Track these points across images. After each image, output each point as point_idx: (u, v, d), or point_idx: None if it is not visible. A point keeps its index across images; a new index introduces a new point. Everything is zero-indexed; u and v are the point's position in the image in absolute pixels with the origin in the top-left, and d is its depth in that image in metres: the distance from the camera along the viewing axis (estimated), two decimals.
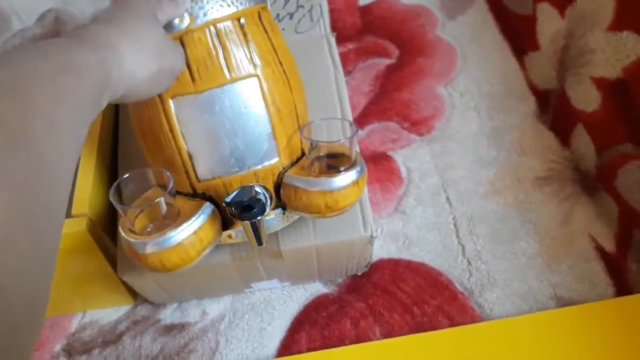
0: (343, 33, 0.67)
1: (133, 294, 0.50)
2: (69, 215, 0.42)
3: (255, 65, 0.35)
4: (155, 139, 0.36)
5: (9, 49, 0.25)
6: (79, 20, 0.67)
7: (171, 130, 0.35)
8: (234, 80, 0.34)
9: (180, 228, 0.32)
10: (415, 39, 0.67)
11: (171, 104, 0.35)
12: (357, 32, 0.68)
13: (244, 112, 0.35)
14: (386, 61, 0.65)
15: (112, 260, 0.45)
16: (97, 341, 0.49)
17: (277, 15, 0.54)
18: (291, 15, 0.54)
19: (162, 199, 0.33)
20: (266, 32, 0.36)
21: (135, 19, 0.31)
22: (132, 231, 0.33)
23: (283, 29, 0.53)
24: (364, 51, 0.66)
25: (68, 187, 0.23)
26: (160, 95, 0.35)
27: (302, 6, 0.55)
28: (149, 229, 0.34)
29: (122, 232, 0.33)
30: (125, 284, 0.47)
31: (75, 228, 0.41)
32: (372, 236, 0.41)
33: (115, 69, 0.28)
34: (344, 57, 0.64)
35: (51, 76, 0.23)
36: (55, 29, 0.67)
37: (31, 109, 0.21)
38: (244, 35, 0.35)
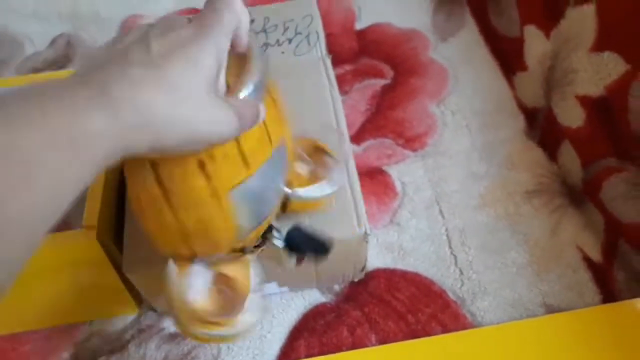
0: (340, 56, 0.71)
1: (138, 303, 0.52)
2: (79, 226, 0.44)
3: (282, 123, 0.34)
4: (203, 230, 0.32)
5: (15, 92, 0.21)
6: (88, 45, 0.70)
7: (225, 221, 0.32)
8: (274, 147, 0.33)
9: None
10: (409, 60, 0.70)
11: (231, 197, 0.31)
12: (353, 55, 0.71)
13: (278, 172, 0.35)
14: (381, 82, 0.68)
15: (119, 270, 0.47)
16: (104, 349, 0.51)
17: (277, 40, 0.57)
18: (290, 40, 0.57)
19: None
20: None
21: (180, 53, 0.25)
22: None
23: (282, 53, 0.56)
24: (360, 72, 0.69)
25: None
26: (216, 194, 0.31)
27: (300, 33, 0.58)
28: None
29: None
30: (132, 292, 0.50)
31: (85, 239, 0.44)
32: (366, 233, 0.44)
33: (137, 130, 0.23)
34: (341, 78, 0.67)
35: (38, 153, 0.20)
36: (67, 53, 0.71)
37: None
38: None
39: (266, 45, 0.57)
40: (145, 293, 0.48)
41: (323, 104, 0.52)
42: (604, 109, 0.54)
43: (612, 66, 0.54)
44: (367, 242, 0.46)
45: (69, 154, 0.21)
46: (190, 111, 0.25)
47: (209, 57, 0.26)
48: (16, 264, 0.21)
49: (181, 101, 0.25)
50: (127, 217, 0.47)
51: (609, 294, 0.51)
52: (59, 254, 0.45)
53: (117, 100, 0.22)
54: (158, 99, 0.24)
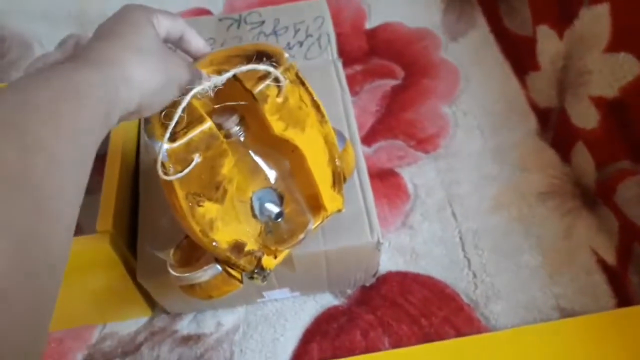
0: (350, 56, 0.70)
1: (151, 306, 0.52)
2: (93, 231, 0.44)
3: None
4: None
5: (23, 75, 0.25)
6: None
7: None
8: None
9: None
10: (420, 60, 0.70)
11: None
12: (363, 55, 0.71)
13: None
14: (392, 82, 0.68)
15: (133, 274, 0.47)
16: (117, 351, 0.51)
17: (288, 43, 0.57)
18: (301, 44, 0.57)
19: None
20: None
21: (135, 29, 0.30)
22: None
23: (293, 56, 0.56)
24: (370, 73, 0.69)
25: (73, 218, 0.23)
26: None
27: (311, 35, 0.58)
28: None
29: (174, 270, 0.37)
30: (144, 295, 0.50)
31: (99, 244, 0.44)
32: (379, 242, 0.44)
33: (123, 83, 0.28)
34: (351, 79, 0.67)
35: (51, 104, 0.23)
36: (75, 54, 0.71)
37: (31, 145, 0.21)
38: None
39: None
40: (159, 298, 0.48)
41: (334, 109, 0.51)
42: (618, 111, 0.54)
43: (627, 67, 0.53)
44: (379, 250, 0.46)
45: (75, 102, 0.24)
46: (157, 60, 0.31)
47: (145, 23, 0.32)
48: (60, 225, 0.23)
49: (148, 54, 0.30)
50: (140, 222, 0.47)
51: (623, 298, 0.51)
52: (73, 258, 0.45)
53: (105, 63, 0.27)
54: (133, 59, 0.29)
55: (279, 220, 0.39)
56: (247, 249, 0.36)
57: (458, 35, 0.72)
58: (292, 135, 0.36)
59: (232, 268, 0.37)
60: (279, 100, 0.36)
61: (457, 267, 0.53)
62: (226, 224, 0.35)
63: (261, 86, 0.35)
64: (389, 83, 0.67)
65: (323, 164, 0.38)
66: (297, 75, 0.37)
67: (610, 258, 0.53)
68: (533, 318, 0.50)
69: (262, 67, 0.35)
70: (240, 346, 0.50)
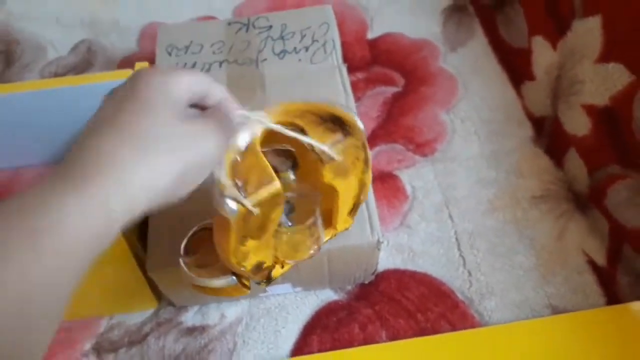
0: (353, 64, 0.73)
1: (158, 298, 0.54)
2: None
3: None
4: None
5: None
6: (109, 51, 0.73)
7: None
8: None
9: None
10: (419, 69, 0.72)
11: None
12: (366, 63, 0.73)
13: None
14: (392, 89, 0.70)
15: (142, 266, 0.49)
16: (124, 341, 0.53)
17: (294, 48, 0.59)
18: (307, 48, 0.59)
19: None
20: None
21: (141, 111, 0.26)
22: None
23: (299, 60, 0.59)
24: (372, 80, 0.71)
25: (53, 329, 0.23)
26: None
27: (317, 40, 0.61)
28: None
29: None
30: (152, 287, 0.52)
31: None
32: (379, 241, 0.46)
33: (118, 192, 0.24)
34: (354, 86, 0.69)
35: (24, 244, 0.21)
36: (87, 58, 0.73)
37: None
38: None
39: (284, 52, 0.59)
40: (167, 291, 0.50)
41: None
42: (608, 118, 0.56)
43: (617, 77, 0.56)
44: (379, 249, 0.48)
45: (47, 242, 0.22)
46: (170, 148, 0.26)
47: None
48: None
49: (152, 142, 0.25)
50: (150, 215, 0.49)
51: (612, 297, 0.53)
52: None
53: (89, 176, 0.24)
54: (134, 158, 0.25)
55: (290, 225, 0.41)
56: (265, 266, 0.39)
57: (457, 46, 0.75)
58: (337, 183, 0.39)
59: (245, 278, 0.40)
60: (339, 159, 0.38)
61: (453, 265, 0.55)
62: (258, 253, 0.37)
63: (329, 154, 0.37)
64: (389, 90, 0.70)
65: (349, 198, 0.41)
66: (364, 143, 0.39)
67: (601, 259, 0.55)
68: (526, 315, 0.52)
69: (327, 151, 0.36)
70: (243, 337, 0.52)
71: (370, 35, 0.77)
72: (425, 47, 0.75)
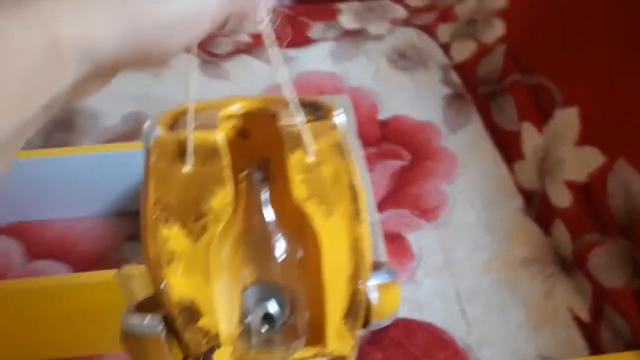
0: (366, 140, 0.83)
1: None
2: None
3: None
4: None
5: None
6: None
7: None
8: None
9: None
10: (424, 147, 0.83)
11: None
12: (376, 140, 0.84)
13: None
14: (400, 163, 0.80)
15: None
16: None
17: None
18: None
19: None
20: None
21: None
22: None
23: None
24: (382, 154, 0.81)
25: None
26: None
27: None
28: None
29: None
30: None
31: None
32: None
33: (62, 14, 0.19)
34: (366, 158, 0.79)
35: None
36: (135, 128, 0.84)
37: None
38: None
39: None
40: None
41: None
42: (587, 193, 0.66)
43: (593, 158, 0.66)
44: None
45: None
46: None
47: None
48: None
49: None
50: None
51: (596, 349, 0.60)
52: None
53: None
54: None
55: (270, 328, 0.29)
56: (201, 324, 0.28)
57: (456, 128, 0.86)
58: (314, 212, 0.28)
59: (174, 339, 0.28)
60: (310, 159, 0.28)
61: (454, 317, 0.63)
62: (189, 275, 0.27)
63: (295, 123, 0.28)
64: (397, 164, 0.80)
65: (341, 278, 0.28)
66: (339, 142, 0.29)
67: (585, 316, 0.62)
68: None
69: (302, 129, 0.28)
70: None
71: (381, 116, 0.88)
72: (429, 129, 0.86)
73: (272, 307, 0.29)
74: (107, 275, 0.56)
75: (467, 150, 0.82)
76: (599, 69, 0.74)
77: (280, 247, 0.30)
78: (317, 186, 0.28)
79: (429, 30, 1.05)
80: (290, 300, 0.30)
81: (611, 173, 0.64)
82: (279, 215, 0.30)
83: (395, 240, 0.70)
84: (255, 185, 0.30)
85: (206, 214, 0.27)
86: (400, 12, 1.11)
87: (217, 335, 0.28)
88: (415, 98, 0.91)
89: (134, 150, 0.73)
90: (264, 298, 0.29)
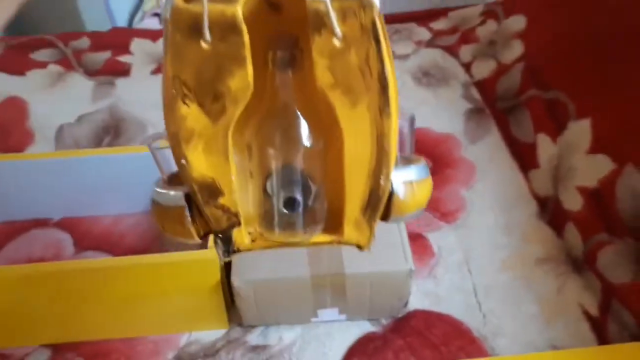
0: None
1: (229, 320, 0.66)
2: (204, 246, 0.60)
3: None
4: None
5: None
6: None
7: None
8: None
9: None
10: (445, 157, 0.88)
11: None
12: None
13: None
14: None
15: (224, 289, 0.62)
16: (200, 354, 0.65)
17: None
18: None
19: None
20: None
21: None
22: None
23: None
24: None
25: None
26: None
27: None
28: None
29: None
30: (228, 311, 0.65)
31: (208, 257, 0.60)
32: (411, 270, 0.59)
33: None
34: None
35: None
36: None
37: None
38: None
39: None
40: (242, 308, 0.63)
41: None
42: (597, 197, 0.70)
43: (603, 165, 0.71)
44: (411, 277, 0.61)
45: None
46: None
47: None
48: None
49: None
50: None
51: (603, 341, 0.63)
52: (179, 273, 0.61)
53: None
54: None
55: (292, 212, 0.30)
56: (222, 201, 0.29)
57: (476, 140, 0.91)
58: (338, 102, 0.27)
59: (195, 214, 0.30)
60: (337, 43, 0.26)
61: (471, 309, 0.67)
62: (209, 153, 0.28)
63: (321, 5, 0.25)
64: None
65: (362, 171, 0.29)
66: (374, 23, 0.25)
67: (594, 311, 0.66)
68: (530, 352, 0.63)
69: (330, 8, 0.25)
70: (297, 356, 0.64)
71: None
72: (450, 140, 0.92)
73: (297, 191, 0.29)
74: (144, 259, 0.62)
75: (486, 160, 0.87)
76: (609, 84, 0.80)
77: (304, 134, 0.29)
78: (343, 73, 0.26)
79: (451, 50, 1.12)
80: (311, 187, 0.30)
81: (620, 178, 0.68)
82: (304, 101, 0.29)
83: (416, 240, 0.76)
84: (281, 66, 0.28)
85: (224, 95, 0.26)
86: (425, 34, 1.19)
87: (236, 214, 0.29)
88: (437, 112, 0.97)
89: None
90: (288, 182, 0.30)
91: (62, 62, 1.06)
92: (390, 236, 0.62)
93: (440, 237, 0.76)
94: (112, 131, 0.92)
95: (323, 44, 0.26)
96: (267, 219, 0.31)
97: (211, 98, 0.26)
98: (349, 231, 0.31)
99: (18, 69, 1.02)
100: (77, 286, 0.64)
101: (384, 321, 0.67)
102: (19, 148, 0.89)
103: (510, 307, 0.68)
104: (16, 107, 0.95)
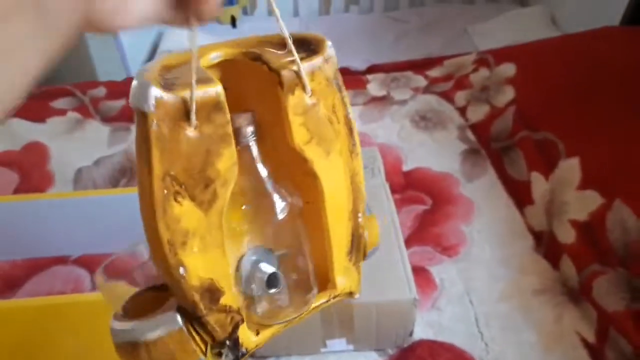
0: (392, 188, 0.94)
1: None
2: None
3: None
4: None
5: None
6: None
7: None
8: None
9: None
10: (444, 193, 0.93)
11: None
12: (401, 188, 0.95)
13: None
14: (423, 207, 0.90)
15: None
16: None
17: None
18: None
19: None
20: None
21: None
22: None
23: None
24: (407, 200, 0.92)
25: None
26: None
27: (367, 167, 0.83)
28: None
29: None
30: None
31: None
32: (415, 299, 0.62)
33: None
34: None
35: None
36: None
37: None
38: None
39: None
40: None
41: (384, 216, 0.74)
42: (589, 230, 0.75)
43: (593, 200, 0.75)
44: (415, 306, 0.64)
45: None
46: None
47: None
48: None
49: None
50: None
51: None
52: None
53: None
54: None
55: (273, 290, 0.29)
56: (223, 301, 0.27)
57: (473, 178, 0.96)
58: (314, 155, 0.28)
59: (195, 328, 0.28)
60: (309, 101, 0.27)
61: (474, 338, 0.70)
62: (205, 250, 0.26)
63: (292, 68, 0.27)
64: (421, 208, 0.90)
65: (343, 214, 0.30)
66: (336, 74, 0.29)
67: (591, 338, 0.69)
68: None
69: (301, 69, 0.27)
70: None
71: (405, 168, 0.99)
72: (448, 179, 0.97)
73: (267, 268, 0.29)
74: None
75: (483, 197, 0.92)
76: (595, 125, 0.86)
77: (279, 206, 0.29)
78: (316, 126, 0.28)
79: (446, 96, 1.18)
80: (290, 257, 0.30)
81: (609, 212, 0.73)
82: (274, 168, 0.29)
83: (420, 273, 0.79)
84: (246, 141, 0.28)
85: (214, 180, 0.26)
86: (421, 81, 1.26)
87: (238, 310, 0.27)
88: (435, 152, 1.02)
89: None
90: (258, 261, 0.29)
91: (80, 109, 1.12)
92: (395, 269, 0.66)
93: (442, 270, 0.79)
94: (128, 173, 0.97)
95: (296, 103, 0.27)
96: (251, 304, 0.30)
97: (202, 187, 0.26)
98: (341, 281, 0.32)
99: (39, 116, 1.08)
100: (91, 318, 0.67)
101: (390, 351, 0.70)
102: (40, 189, 0.94)
103: (510, 336, 0.71)
104: (37, 152, 1.00)
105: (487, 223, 0.87)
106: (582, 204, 0.77)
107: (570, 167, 0.82)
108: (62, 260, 0.84)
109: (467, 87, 1.16)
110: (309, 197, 0.30)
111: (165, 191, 0.25)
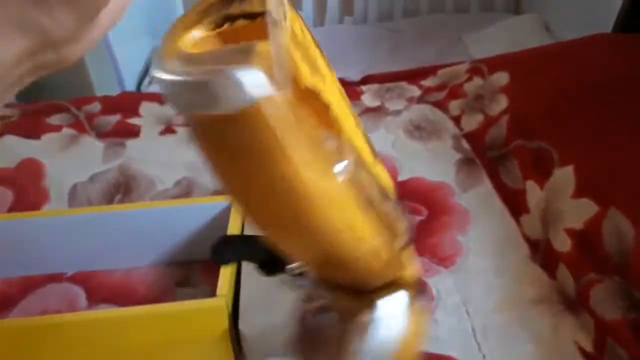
0: None
1: None
2: (212, 295, 0.64)
3: None
4: None
5: None
6: (204, 186, 0.96)
7: None
8: None
9: None
10: (439, 204, 0.93)
11: None
12: (397, 198, 0.95)
13: None
14: (419, 217, 0.90)
15: (232, 337, 0.65)
16: None
17: None
18: None
19: None
20: None
21: None
22: None
23: None
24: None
25: None
26: None
27: None
28: None
29: None
30: (235, 357, 0.67)
31: (215, 305, 0.63)
32: None
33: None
34: None
35: None
36: (187, 190, 0.96)
37: None
38: None
39: None
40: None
41: None
42: (584, 238, 0.74)
43: (588, 208, 0.75)
44: None
45: None
46: None
47: None
48: None
49: None
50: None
51: None
52: (186, 321, 0.65)
53: None
54: None
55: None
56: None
57: (468, 188, 0.96)
58: (319, 85, 0.26)
59: None
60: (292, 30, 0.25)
61: (471, 350, 0.70)
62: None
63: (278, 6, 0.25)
64: (416, 218, 0.90)
65: (359, 136, 0.30)
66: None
67: (589, 347, 0.69)
68: None
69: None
70: None
71: (400, 178, 0.99)
72: (444, 188, 0.97)
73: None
74: (152, 308, 0.66)
75: (479, 206, 0.92)
76: (589, 133, 0.86)
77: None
78: (307, 56, 0.27)
79: (441, 105, 1.18)
80: None
81: (605, 220, 0.73)
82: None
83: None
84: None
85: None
86: (415, 91, 1.26)
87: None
88: (430, 162, 1.02)
89: (182, 206, 0.85)
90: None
91: (75, 125, 1.12)
92: None
93: (439, 281, 0.79)
94: (123, 189, 0.97)
95: (292, 38, 0.25)
96: None
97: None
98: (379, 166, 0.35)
99: (34, 132, 1.08)
100: (87, 336, 0.67)
101: None
102: (35, 206, 0.94)
103: (508, 347, 0.70)
104: (32, 168, 1.00)
105: (483, 233, 0.87)
106: (578, 212, 0.77)
107: (564, 175, 0.82)
108: (56, 278, 0.84)
109: (461, 96, 1.17)
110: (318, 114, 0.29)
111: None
